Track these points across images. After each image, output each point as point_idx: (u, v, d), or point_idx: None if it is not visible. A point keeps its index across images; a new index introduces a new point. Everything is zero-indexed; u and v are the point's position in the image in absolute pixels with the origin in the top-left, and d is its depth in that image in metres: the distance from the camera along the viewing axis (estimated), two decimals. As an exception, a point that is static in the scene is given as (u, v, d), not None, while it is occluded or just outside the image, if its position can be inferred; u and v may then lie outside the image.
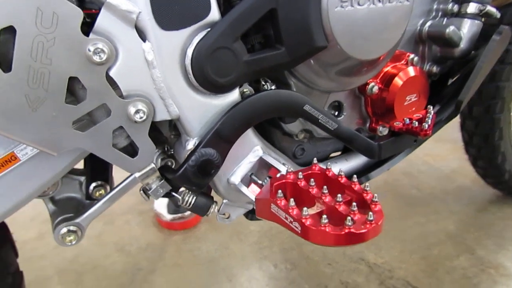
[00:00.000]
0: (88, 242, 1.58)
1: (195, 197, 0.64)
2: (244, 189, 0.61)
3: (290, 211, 0.47)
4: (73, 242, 0.75)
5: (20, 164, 0.57)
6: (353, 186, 0.51)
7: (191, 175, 0.57)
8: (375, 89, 0.75)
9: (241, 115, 0.57)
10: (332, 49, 0.61)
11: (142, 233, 1.63)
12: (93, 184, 0.79)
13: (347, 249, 1.53)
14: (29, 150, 0.56)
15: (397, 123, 0.71)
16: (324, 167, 0.57)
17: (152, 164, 0.59)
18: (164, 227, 1.63)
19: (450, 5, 0.81)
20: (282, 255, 1.51)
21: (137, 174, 0.59)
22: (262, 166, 0.66)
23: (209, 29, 0.54)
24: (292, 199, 0.48)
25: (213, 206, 0.65)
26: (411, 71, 0.76)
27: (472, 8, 0.79)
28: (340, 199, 0.48)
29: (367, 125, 0.81)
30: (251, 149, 0.64)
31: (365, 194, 0.50)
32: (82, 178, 0.80)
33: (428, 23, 0.81)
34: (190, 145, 0.58)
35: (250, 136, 0.63)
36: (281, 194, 0.50)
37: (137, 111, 0.53)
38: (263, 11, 0.55)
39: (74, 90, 0.51)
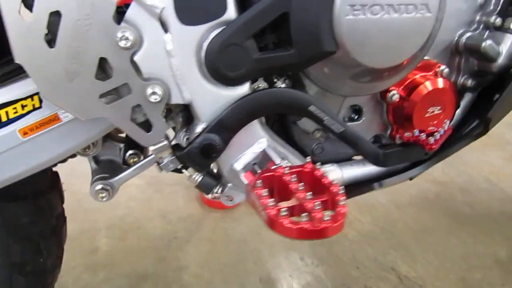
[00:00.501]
0: (138, 205, 1.75)
1: (201, 176, 0.71)
2: (242, 175, 0.67)
3: (262, 200, 0.52)
4: (104, 199, 0.86)
5: (61, 124, 0.68)
6: (331, 188, 0.54)
7: (194, 156, 0.64)
8: (396, 97, 0.76)
9: (244, 108, 0.63)
10: (342, 55, 0.63)
11: (185, 205, 1.76)
12: (129, 152, 0.90)
13: (379, 256, 1.51)
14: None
15: (407, 133, 0.71)
16: (317, 167, 0.61)
17: (165, 141, 0.67)
18: (205, 203, 1.74)
19: (493, 18, 0.78)
20: (311, 249, 1.54)
21: (151, 148, 0.67)
22: (267, 158, 0.71)
23: (224, 26, 0.60)
24: (266, 190, 0.53)
25: (218, 187, 0.72)
26: (437, 82, 0.75)
27: (516, 23, 0.75)
28: (310, 197, 0.51)
29: (388, 132, 0.82)
30: (256, 141, 0.69)
31: (337, 197, 0.53)
32: (122, 145, 0.91)
33: (467, 35, 0.79)
34: (199, 128, 0.65)
35: (256, 128, 0.68)
36: (260, 184, 0.55)
37: (153, 93, 0.61)
38: (276, 14, 0.59)
39: (104, 68, 0.60)
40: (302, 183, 0.54)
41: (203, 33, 0.60)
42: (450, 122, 0.79)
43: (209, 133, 0.63)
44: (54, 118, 0.67)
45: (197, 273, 1.44)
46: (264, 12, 0.59)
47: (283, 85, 0.67)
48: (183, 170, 0.71)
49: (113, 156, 0.94)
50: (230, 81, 0.63)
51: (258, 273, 1.45)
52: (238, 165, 0.69)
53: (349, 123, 0.80)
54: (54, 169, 0.94)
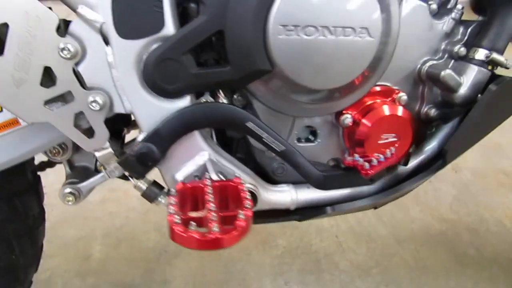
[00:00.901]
0: (136, 216, 1.79)
1: (146, 185, 0.73)
2: (175, 185, 0.68)
3: (169, 206, 0.53)
4: (70, 203, 0.90)
5: (20, 127, 0.73)
6: (243, 202, 0.54)
7: (131, 163, 0.66)
8: (348, 120, 0.74)
9: (180, 120, 0.65)
10: (279, 74, 0.64)
11: (181, 220, 1.78)
12: (99, 160, 0.94)
13: (369, 291, 1.45)
14: (28, 118, 0.72)
15: (349, 158, 0.69)
16: (241, 182, 0.61)
17: (109, 148, 0.70)
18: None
19: (457, 47, 0.75)
20: (299, 275, 1.50)
21: (97, 154, 0.70)
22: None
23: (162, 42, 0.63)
24: (173, 198, 0.53)
25: (162, 197, 0.74)
26: (391, 109, 0.73)
27: (479, 54, 0.72)
28: (213, 208, 0.51)
29: (346, 156, 0.80)
30: (197, 153, 0.70)
31: (242, 211, 0.52)
32: (96, 153, 0.96)
33: (430, 63, 0.77)
34: (140, 137, 0.68)
35: (197, 141, 0.69)
36: (175, 193, 0.56)
37: (93, 101, 0.64)
38: (210, 31, 0.61)
39: (50, 77, 0.65)
40: (211, 196, 0.54)
41: (142, 47, 0.63)
42: (408, 150, 0.76)
43: (146, 142, 0.66)
44: (13, 122, 0.72)
45: (180, 289, 1.44)
46: (199, 30, 0.61)
47: (225, 101, 0.68)
48: (130, 178, 0.74)
49: (88, 163, 0.98)
50: (168, 94, 0.65)
51: (241, 295, 1.43)
52: (179, 176, 0.71)
53: (303, 144, 0.79)
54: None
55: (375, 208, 0.89)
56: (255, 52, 0.62)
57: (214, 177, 0.66)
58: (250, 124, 0.66)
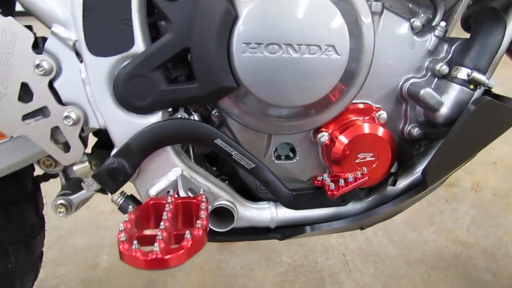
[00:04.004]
0: (144, 228, 1.81)
1: (123, 199, 0.74)
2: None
3: (123, 223, 0.53)
4: (61, 214, 0.92)
5: (7, 140, 0.76)
6: (195, 221, 0.54)
7: (103, 177, 0.68)
8: (325, 138, 0.73)
9: (148, 136, 0.66)
10: (245, 91, 0.64)
11: (187, 233, 1.78)
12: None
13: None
14: (14, 131, 0.75)
15: (319, 178, 0.68)
16: (203, 200, 0.61)
17: (86, 162, 0.72)
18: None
19: (439, 66, 0.72)
20: (301, 294, 1.47)
21: (74, 168, 0.72)
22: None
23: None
24: (128, 215, 0.54)
25: (137, 211, 0.74)
26: (369, 128, 0.71)
27: (462, 73, 0.69)
28: (163, 227, 0.51)
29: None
30: (170, 169, 0.71)
31: (188, 230, 0.52)
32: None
33: (412, 81, 0.74)
34: (113, 152, 0.69)
35: (170, 156, 0.70)
36: (131, 209, 0.56)
37: (66, 117, 0.66)
38: (176, 49, 0.62)
39: (28, 92, 0.68)
40: (166, 214, 0.54)
41: (113, 64, 0.65)
42: (387, 170, 0.74)
43: (117, 157, 0.67)
44: (1, 135, 0.76)
45: (181, 303, 1.44)
46: (166, 47, 0.63)
47: (196, 117, 0.69)
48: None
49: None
50: (139, 110, 0.66)
51: (240, 312, 1.41)
52: (152, 191, 0.71)
53: (283, 162, 0.78)
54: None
55: (362, 228, 0.86)
56: (220, 69, 0.62)
57: (182, 193, 0.66)
58: (218, 141, 0.66)
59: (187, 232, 0.50)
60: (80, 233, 1.82)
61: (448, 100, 0.70)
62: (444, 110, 0.71)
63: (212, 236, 0.76)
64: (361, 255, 1.64)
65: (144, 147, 0.66)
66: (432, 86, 0.73)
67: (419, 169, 0.82)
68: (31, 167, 1.02)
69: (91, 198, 0.89)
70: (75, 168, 0.73)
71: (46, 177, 1.05)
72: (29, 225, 1.03)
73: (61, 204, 0.90)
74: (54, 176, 1.04)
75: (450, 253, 1.65)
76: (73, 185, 0.98)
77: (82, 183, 0.74)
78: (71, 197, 0.90)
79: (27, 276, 1.08)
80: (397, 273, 1.55)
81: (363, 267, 1.58)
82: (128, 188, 0.77)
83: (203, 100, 0.66)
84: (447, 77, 0.72)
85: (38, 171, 0.93)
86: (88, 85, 0.66)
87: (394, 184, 0.82)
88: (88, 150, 0.83)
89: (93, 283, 1.54)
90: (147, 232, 0.55)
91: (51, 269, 1.62)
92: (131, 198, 0.76)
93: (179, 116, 0.70)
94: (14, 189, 0.97)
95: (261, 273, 1.57)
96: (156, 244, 0.47)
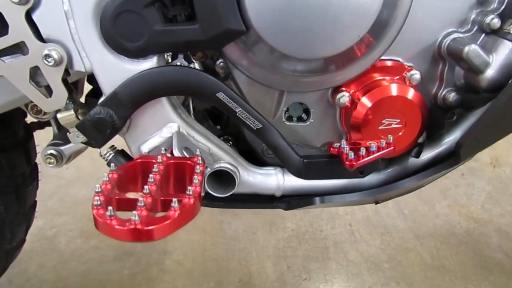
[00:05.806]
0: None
1: (112, 154, 0.67)
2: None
3: (101, 184, 0.46)
4: (51, 165, 0.85)
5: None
6: (186, 187, 0.46)
7: (87, 128, 0.59)
8: (345, 99, 0.63)
9: (141, 84, 0.56)
10: (255, 37, 0.53)
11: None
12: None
13: (375, 286, 1.34)
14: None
15: (335, 145, 0.58)
16: (199, 163, 0.52)
17: (71, 111, 0.63)
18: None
19: (489, 19, 0.60)
20: (302, 261, 1.42)
21: (58, 115, 0.64)
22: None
23: (123, -10, 0.54)
24: (108, 175, 0.46)
25: (128, 168, 0.67)
26: (398, 89, 0.61)
27: (517, 27, 0.58)
28: (148, 191, 0.43)
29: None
30: (165, 124, 0.62)
31: (182, 198, 0.44)
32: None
33: (453, 36, 0.63)
34: (101, 100, 0.60)
35: (166, 110, 0.61)
36: (115, 168, 0.48)
37: (47, 55, 0.57)
38: (176, -21, 0.52)
39: (4, 23, 0.58)
40: (153, 176, 0.46)
41: (101, -4, 0.54)
42: (415, 140, 0.64)
43: (103, 106, 0.58)
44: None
45: (179, 261, 1.41)
46: (163, -23, 0.52)
47: (197, 65, 0.59)
48: (94, 145, 0.67)
49: (75, 127, 0.93)
50: (130, 53, 0.57)
51: (239, 274, 1.37)
52: (144, 148, 0.63)
53: (294, 124, 0.69)
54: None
55: (377, 203, 0.78)
56: (226, 8, 0.51)
57: (176, 153, 0.58)
58: (221, 95, 0.56)
59: (174, 200, 0.42)
60: (81, 184, 1.78)
61: (496, 60, 0.59)
62: (490, 72, 0.59)
63: (211, 201, 0.69)
64: (368, 226, 1.57)
65: (135, 97, 0.57)
66: (478, 43, 0.61)
67: (447, 140, 0.72)
68: (22, 113, 0.95)
69: (94, 149, 0.83)
70: (58, 116, 0.64)
71: (41, 124, 0.98)
72: (20, 174, 0.97)
73: (51, 154, 0.84)
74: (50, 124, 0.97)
75: (462, 229, 1.57)
76: (65, 134, 0.90)
77: (68, 134, 0.66)
78: (62, 147, 0.83)
79: (18, 225, 1.03)
80: (404, 246, 1.49)
81: (369, 238, 1.52)
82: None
83: (205, 45, 0.56)
84: (498, 33, 0.60)
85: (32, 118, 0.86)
86: (72, 19, 0.56)
87: (418, 156, 0.72)
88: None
89: (92, 234, 1.51)
90: (130, 195, 0.47)
91: (50, 218, 1.59)
92: (122, 154, 0.68)
93: (179, 64, 0.60)
94: (3, 136, 0.90)
95: (264, 238, 1.52)
96: (134, 212, 0.39)
